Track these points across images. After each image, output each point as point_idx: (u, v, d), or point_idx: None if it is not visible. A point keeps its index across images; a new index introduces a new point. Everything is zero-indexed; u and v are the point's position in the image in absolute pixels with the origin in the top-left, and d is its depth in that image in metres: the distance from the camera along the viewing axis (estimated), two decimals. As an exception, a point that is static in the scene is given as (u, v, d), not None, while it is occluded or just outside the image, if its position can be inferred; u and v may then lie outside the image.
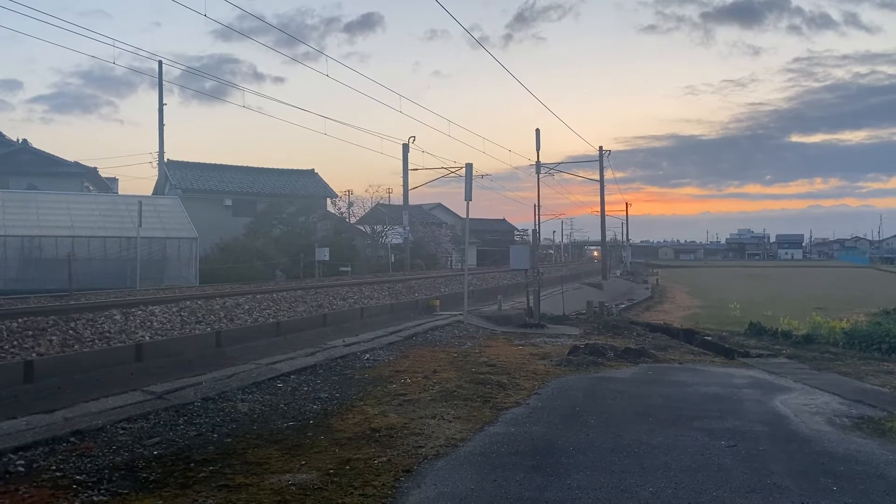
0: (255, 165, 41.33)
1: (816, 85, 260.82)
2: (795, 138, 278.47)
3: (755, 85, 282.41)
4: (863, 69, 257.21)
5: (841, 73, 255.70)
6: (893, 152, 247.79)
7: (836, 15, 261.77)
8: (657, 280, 55.27)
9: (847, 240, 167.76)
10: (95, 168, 39.46)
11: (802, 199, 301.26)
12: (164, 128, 37.40)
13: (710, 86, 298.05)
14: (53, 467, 4.98)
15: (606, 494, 4.62)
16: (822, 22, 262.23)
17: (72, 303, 14.21)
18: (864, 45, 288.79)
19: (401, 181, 39.94)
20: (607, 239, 57.41)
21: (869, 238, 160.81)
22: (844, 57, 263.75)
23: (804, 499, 4.59)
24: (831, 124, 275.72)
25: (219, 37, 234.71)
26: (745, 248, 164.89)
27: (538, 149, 38.36)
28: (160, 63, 36.32)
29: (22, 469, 4.93)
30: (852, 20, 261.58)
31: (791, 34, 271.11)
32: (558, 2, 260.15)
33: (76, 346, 9.93)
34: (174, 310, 13.23)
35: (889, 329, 13.47)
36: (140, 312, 12.49)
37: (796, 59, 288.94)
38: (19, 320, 10.45)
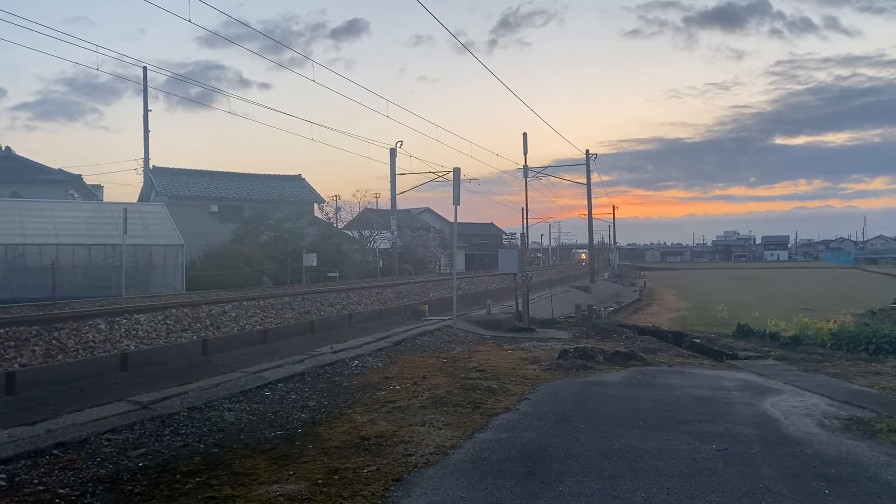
0: (242, 171, 41.14)
1: (799, 87, 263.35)
2: (779, 140, 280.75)
3: (738, 88, 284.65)
4: (844, 72, 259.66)
5: (823, 76, 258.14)
6: (876, 154, 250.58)
7: (816, 19, 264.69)
8: (645, 282, 55.45)
9: (832, 241, 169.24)
10: (80, 175, 39.12)
11: (787, 201, 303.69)
12: (150, 134, 37.34)
13: (694, 89, 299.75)
14: (36, 481, 4.88)
15: (598, 501, 4.58)
16: (803, 26, 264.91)
17: (55, 312, 14.03)
18: (844, 48, 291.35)
19: (388, 186, 39.90)
20: (595, 242, 57.59)
21: (853, 239, 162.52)
22: (826, 60, 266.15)
23: (796, 502, 4.57)
24: (814, 126, 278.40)
25: (204, 43, 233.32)
26: (732, 250, 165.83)
27: (525, 153, 38.55)
28: (145, 69, 36.21)
29: (3, 483, 4.83)
30: (833, 24, 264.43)
31: (773, 38, 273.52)
32: (543, 7, 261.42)
33: (60, 357, 9.78)
34: (160, 318, 13.09)
35: (876, 329, 13.54)
36: (125, 321, 12.34)
37: (778, 63, 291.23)
38: (1, 330, 10.29)
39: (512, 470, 5.25)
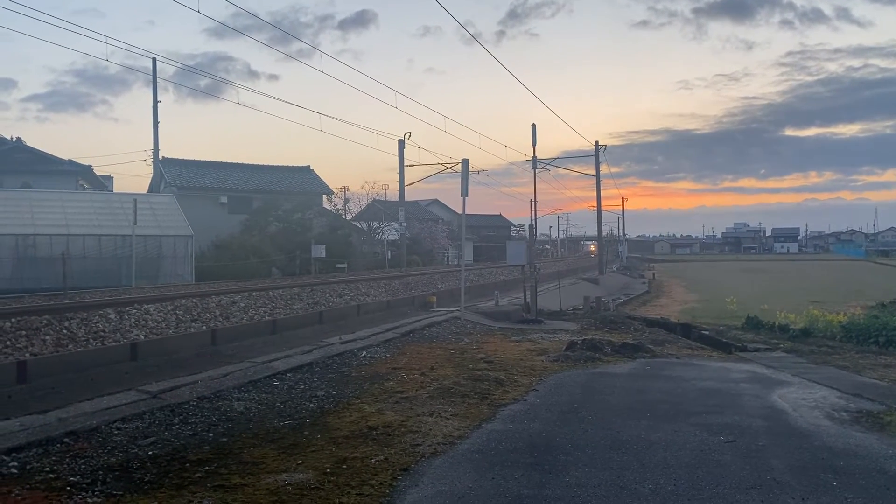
0: (251, 162, 41.24)
1: (810, 79, 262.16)
2: (789, 132, 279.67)
3: (748, 79, 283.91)
4: (856, 62, 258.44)
5: (834, 67, 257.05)
6: (887, 145, 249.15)
7: (827, 10, 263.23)
8: (654, 274, 55.25)
9: (843, 233, 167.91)
10: (90, 166, 39.30)
11: (798, 193, 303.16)
12: (159, 125, 37.45)
13: (704, 80, 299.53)
14: (47, 469, 4.92)
15: (605, 492, 4.58)
16: (814, 16, 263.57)
17: (66, 302, 14.13)
18: (856, 38, 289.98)
19: (397, 177, 39.81)
20: (604, 234, 57.39)
21: (864, 231, 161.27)
22: (837, 51, 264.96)
23: (804, 494, 4.56)
24: (825, 118, 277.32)
25: (213, 35, 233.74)
26: (741, 242, 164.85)
27: (534, 144, 38.30)
28: (154, 60, 36.31)
29: (15, 471, 4.88)
30: (844, 14, 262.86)
31: (783, 28, 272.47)
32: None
33: (70, 346, 9.85)
34: (169, 308, 13.15)
35: (886, 322, 13.47)
36: (135, 311, 12.41)
37: (789, 53, 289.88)
38: (13, 320, 10.36)
39: (519, 460, 5.26)
